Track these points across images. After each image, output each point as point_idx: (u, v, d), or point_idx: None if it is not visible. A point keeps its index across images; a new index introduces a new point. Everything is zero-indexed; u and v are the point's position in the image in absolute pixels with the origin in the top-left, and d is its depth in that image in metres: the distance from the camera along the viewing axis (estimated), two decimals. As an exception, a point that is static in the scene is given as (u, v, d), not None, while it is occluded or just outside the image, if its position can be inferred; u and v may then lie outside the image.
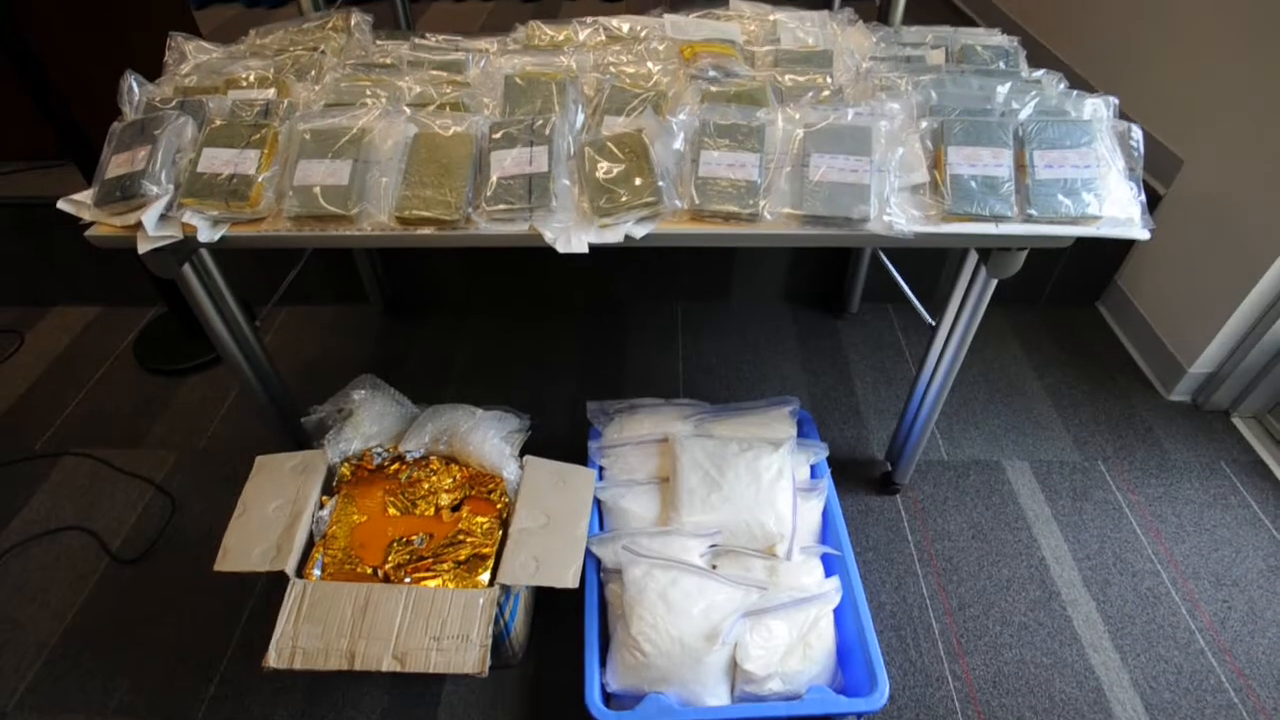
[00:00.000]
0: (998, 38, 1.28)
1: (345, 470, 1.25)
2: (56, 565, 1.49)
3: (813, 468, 1.43)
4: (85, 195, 1.10)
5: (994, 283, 1.12)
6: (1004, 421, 1.76)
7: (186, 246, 1.08)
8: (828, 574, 1.28)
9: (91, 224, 1.08)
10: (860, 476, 1.63)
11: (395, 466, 1.26)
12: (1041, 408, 1.80)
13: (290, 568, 1.12)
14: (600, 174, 0.98)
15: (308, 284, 2.06)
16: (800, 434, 1.48)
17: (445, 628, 1.06)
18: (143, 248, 1.05)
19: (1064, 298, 2.09)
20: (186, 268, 1.15)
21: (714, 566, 1.26)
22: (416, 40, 1.30)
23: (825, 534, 1.36)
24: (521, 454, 1.31)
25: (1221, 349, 1.72)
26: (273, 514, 1.19)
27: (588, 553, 1.22)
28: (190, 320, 2.00)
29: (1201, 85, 1.72)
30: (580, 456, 1.41)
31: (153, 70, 1.33)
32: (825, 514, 1.37)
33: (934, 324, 1.31)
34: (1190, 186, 1.76)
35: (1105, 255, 2.01)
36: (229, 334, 1.28)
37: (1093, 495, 1.60)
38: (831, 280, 2.08)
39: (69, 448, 1.74)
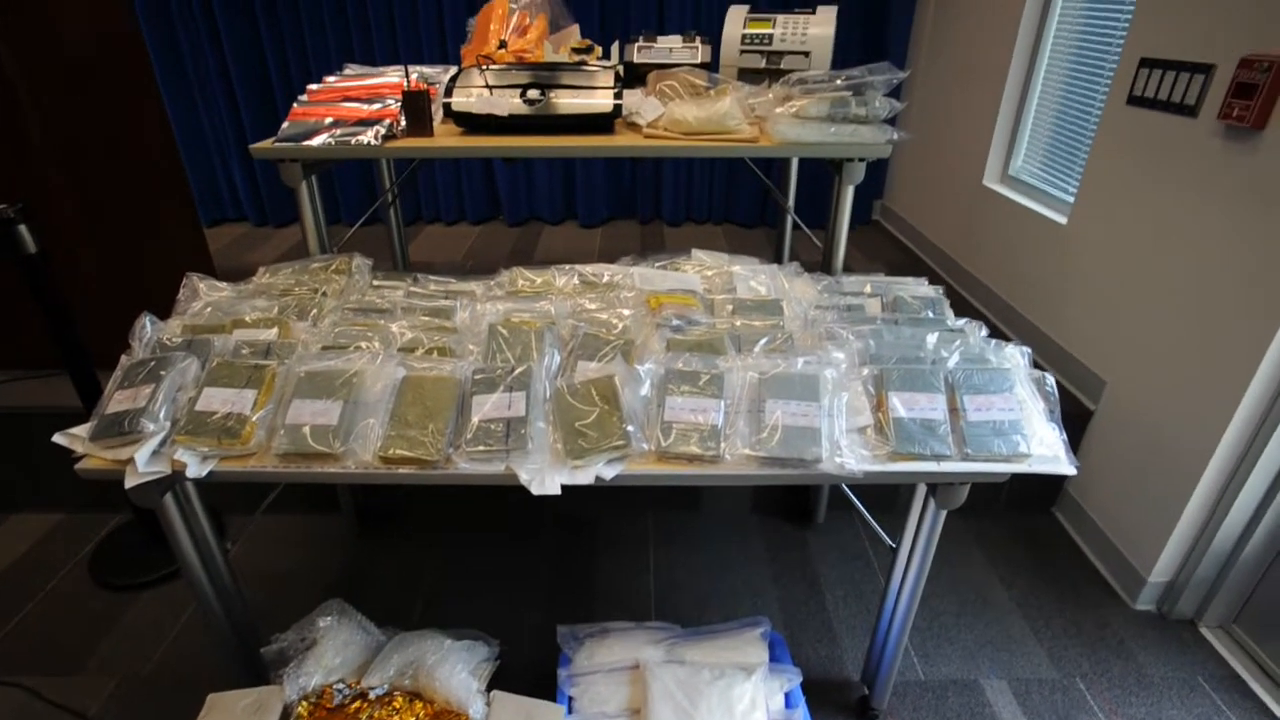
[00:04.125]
0: (925, 288, 1.47)
1: (303, 710, 1.20)
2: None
3: (787, 695, 1.39)
4: (82, 429, 1.15)
5: (944, 512, 1.20)
6: (977, 636, 1.75)
7: (172, 479, 1.12)
8: (809, 821, 1.21)
9: (83, 456, 1.12)
10: (836, 701, 1.58)
11: (356, 705, 1.21)
12: (1012, 620, 1.80)
13: (229, 830, 1.03)
14: (574, 418, 1.07)
15: (282, 493, 2.07)
16: (772, 657, 1.46)
17: None
18: (130, 483, 1.08)
19: (1021, 505, 2.17)
20: (168, 497, 1.18)
21: (688, 815, 1.19)
22: (411, 288, 1.45)
23: (804, 772, 1.30)
24: (490, 685, 1.27)
25: (1174, 558, 1.78)
26: (218, 763, 1.11)
27: (554, 802, 1.15)
28: (154, 530, 1.97)
29: (1114, 314, 1.95)
30: (551, 683, 1.37)
31: (162, 281, 1.44)
32: (803, 749, 1.32)
33: (894, 545, 1.36)
34: (1116, 405, 1.92)
35: (1053, 464, 2.12)
36: (197, 556, 1.28)
37: (1076, 719, 1.56)
38: (797, 491, 2.15)
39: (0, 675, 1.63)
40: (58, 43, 1.89)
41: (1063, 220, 2.19)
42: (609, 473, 1.02)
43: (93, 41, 1.91)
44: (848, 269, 1.71)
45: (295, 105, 1.72)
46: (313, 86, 1.79)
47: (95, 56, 1.92)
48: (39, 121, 1.91)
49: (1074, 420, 2.02)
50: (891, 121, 1.60)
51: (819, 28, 1.85)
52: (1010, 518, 2.14)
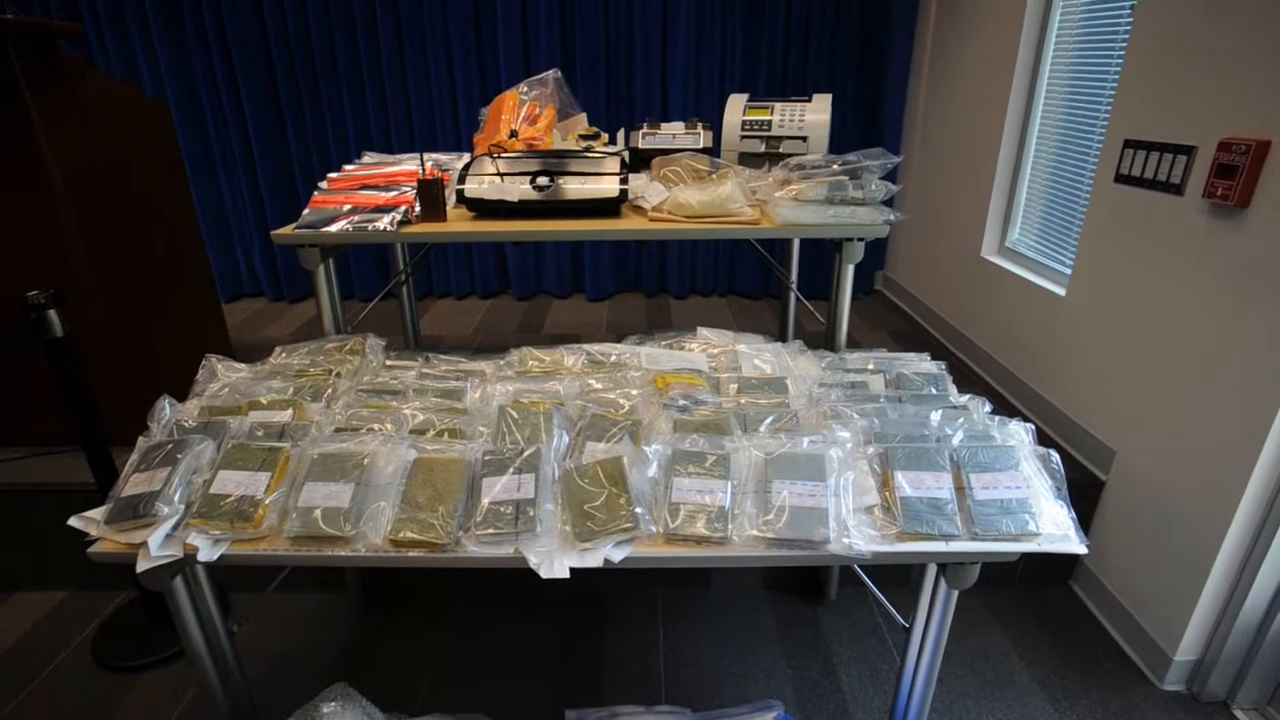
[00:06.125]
0: (927, 364, 1.49)
1: (302, 804, 1.16)
2: None
3: (803, 786, 1.34)
4: (97, 513, 1.17)
5: (956, 592, 1.18)
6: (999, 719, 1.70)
7: (183, 562, 1.12)
8: None
9: (96, 539, 1.13)
10: (856, 791, 1.52)
11: (357, 798, 1.18)
12: (1036, 703, 1.74)
13: None
14: (582, 499, 1.08)
15: (290, 571, 2.06)
16: (787, 745, 1.41)
17: None
18: (142, 566, 1.09)
19: (1037, 577, 2.12)
20: (178, 580, 1.18)
21: None
22: (423, 368, 1.48)
23: None
24: (493, 777, 1.24)
25: (1200, 634, 1.73)
26: None
27: None
28: (157, 608, 1.96)
29: (1118, 384, 1.96)
30: (556, 776, 1.33)
31: (180, 359, 1.48)
32: (821, 845, 1.26)
33: (907, 626, 1.33)
34: (1127, 475, 1.91)
35: (1067, 536, 2.09)
36: (203, 640, 1.27)
37: (1107, 810, 1.49)
38: (808, 567, 2.11)
39: (-10, 768, 1.59)
40: (101, 148, 2.00)
41: (1061, 292, 2.23)
42: (617, 555, 1.03)
43: (133, 149, 2.02)
44: (851, 338, 1.74)
45: (316, 193, 1.80)
46: (332, 175, 1.88)
47: (134, 162, 2.03)
48: (74, 216, 2.00)
49: (1086, 490, 2.01)
50: (889, 203, 1.66)
51: (815, 114, 1.94)
52: (1027, 591, 2.10)
